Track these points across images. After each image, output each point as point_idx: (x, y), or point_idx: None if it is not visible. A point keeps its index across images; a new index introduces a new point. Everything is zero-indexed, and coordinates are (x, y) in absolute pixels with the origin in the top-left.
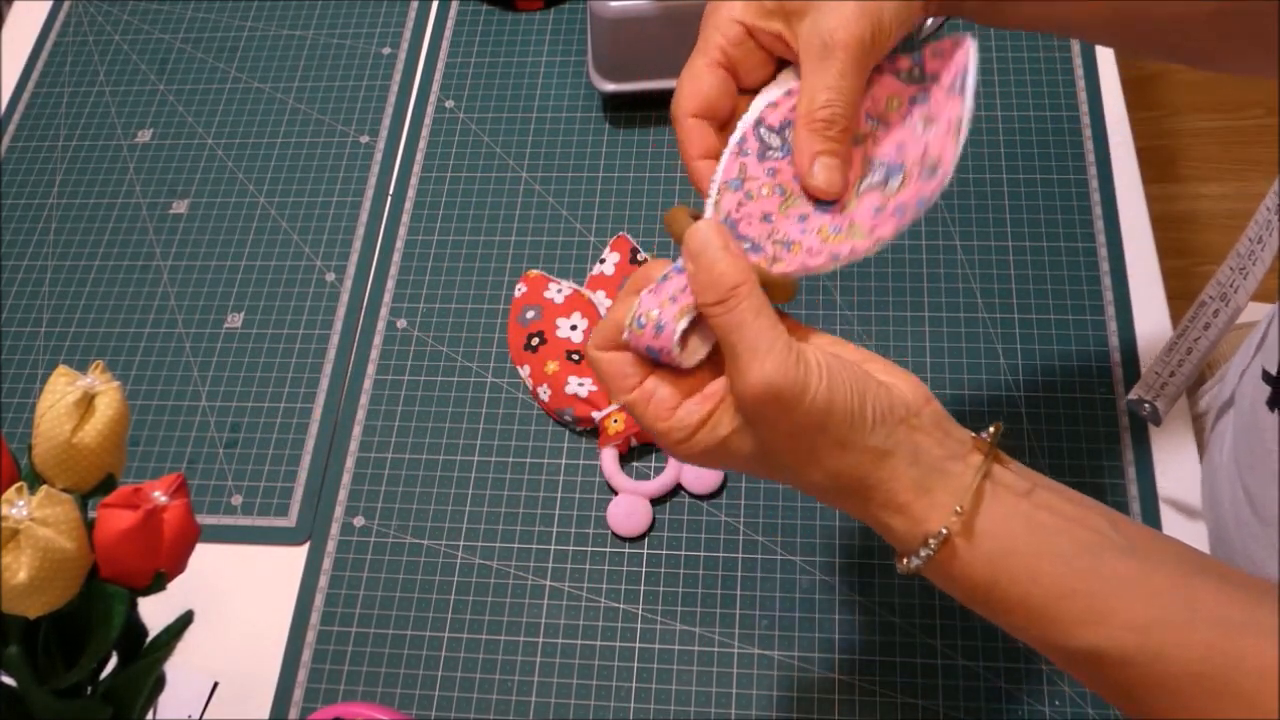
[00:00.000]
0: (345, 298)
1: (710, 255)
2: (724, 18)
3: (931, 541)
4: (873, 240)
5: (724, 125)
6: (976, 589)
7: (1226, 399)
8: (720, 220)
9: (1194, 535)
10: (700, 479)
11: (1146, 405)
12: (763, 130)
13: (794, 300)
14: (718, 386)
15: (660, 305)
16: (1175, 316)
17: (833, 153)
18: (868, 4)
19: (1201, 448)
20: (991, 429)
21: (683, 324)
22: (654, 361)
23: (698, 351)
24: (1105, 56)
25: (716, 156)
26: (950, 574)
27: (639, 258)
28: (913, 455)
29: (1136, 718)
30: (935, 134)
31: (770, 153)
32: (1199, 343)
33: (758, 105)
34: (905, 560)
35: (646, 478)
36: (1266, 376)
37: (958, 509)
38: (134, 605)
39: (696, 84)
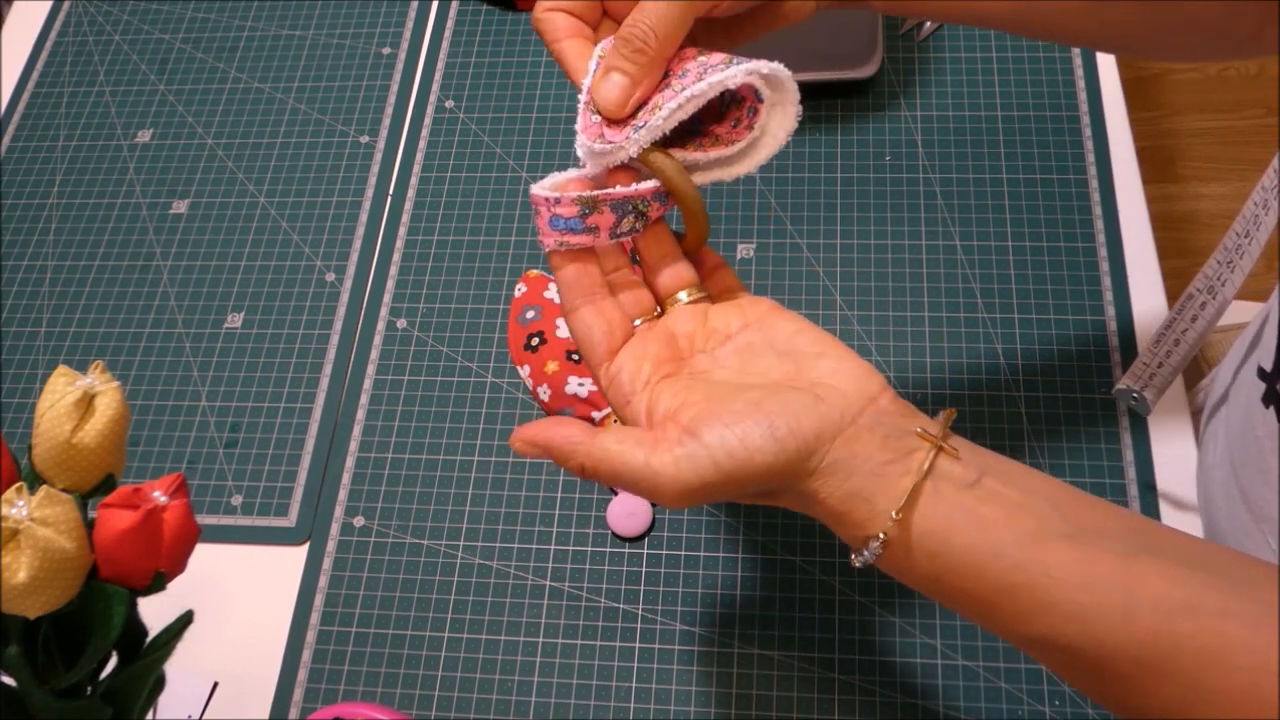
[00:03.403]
0: (345, 298)
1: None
2: None
3: (873, 544)
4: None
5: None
6: (923, 583)
7: (1220, 397)
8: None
9: (1192, 531)
10: None
11: (1135, 395)
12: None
13: (707, 255)
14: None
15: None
16: None
17: (627, 73)
18: None
19: (1198, 446)
20: (942, 415)
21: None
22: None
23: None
24: (1105, 56)
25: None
26: (899, 569)
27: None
28: (849, 469)
29: (1088, 693)
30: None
31: None
32: (1186, 334)
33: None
34: (854, 558)
35: None
36: (1261, 373)
37: (894, 514)
38: (134, 605)
39: None
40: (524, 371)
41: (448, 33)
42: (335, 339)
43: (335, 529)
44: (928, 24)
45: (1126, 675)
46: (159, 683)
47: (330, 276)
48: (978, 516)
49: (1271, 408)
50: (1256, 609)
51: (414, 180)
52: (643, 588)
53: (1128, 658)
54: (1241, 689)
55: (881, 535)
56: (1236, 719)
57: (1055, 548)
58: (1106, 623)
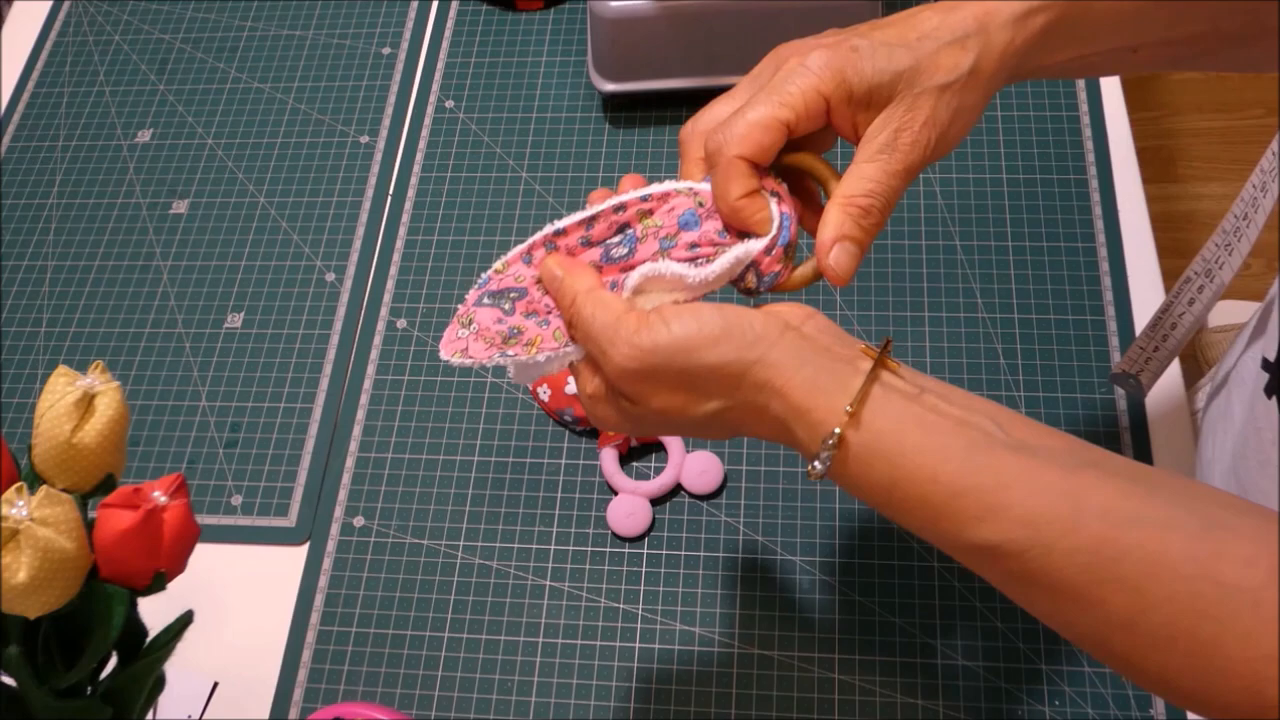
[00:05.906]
0: (345, 298)
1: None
2: (810, 87)
3: (828, 441)
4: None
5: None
6: (878, 490)
7: (1221, 389)
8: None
9: None
10: (700, 479)
11: (1131, 379)
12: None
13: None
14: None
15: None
16: None
17: (856, 240)
18: (939, 116)
19: (1196, 444)
20: (881, 342)
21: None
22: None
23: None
24: None
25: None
26: (853, 476)
27: None
28: (800, 357)
29: (1031, 607)
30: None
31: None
32: (1183, 318)
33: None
34: (811, 465)
35: (646, 478)
36: (1265, 364)
37: (848, 408)
38: (134, 605)
39: (764, 134)
40: None
41: (448, 33)
42: (335, 339)
43: (335, 529)
44: None
45: (1073, 584)
46: (159, 683)
47: (330, 276)
48: (927, 423)
49: (1274, 399)
50: (1197, 522)
51: (414, 180)
52: (643, 588)
53: (1075, 565)
54: (1183, 597)
55: (837, 430)
56: (1176, 627)
57: (1003, 455)
58: (1055, 528)
